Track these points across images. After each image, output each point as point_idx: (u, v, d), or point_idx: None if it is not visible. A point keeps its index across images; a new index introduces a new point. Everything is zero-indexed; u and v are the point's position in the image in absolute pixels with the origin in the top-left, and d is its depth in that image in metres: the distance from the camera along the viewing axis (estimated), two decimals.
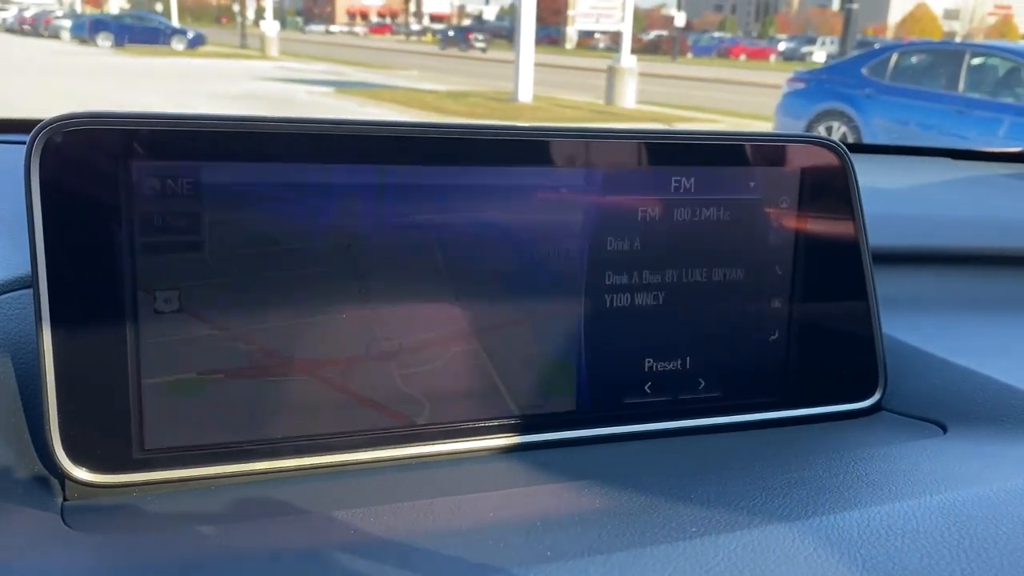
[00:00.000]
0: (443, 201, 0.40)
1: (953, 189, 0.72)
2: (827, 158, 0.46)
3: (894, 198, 0.66)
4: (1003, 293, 0.62)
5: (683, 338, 0.45)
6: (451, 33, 30.75)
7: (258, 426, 0.39)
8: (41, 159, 0.35)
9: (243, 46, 20.78)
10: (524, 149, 0.42)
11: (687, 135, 0.44)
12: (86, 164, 0.35)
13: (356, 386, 0.40)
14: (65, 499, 0.36)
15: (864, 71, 5.65)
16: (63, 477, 0.36)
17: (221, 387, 0.38)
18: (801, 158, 0.46)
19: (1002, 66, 5.28)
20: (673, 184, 0.44)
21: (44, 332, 0.35)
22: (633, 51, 10.59)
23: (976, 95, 5.19)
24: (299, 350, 0.39)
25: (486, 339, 0.42)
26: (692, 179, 0.44)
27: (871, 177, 0.70)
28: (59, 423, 0.36)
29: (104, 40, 18.55)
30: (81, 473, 0.36)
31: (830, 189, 0.47)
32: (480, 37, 28.46)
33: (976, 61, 5.36)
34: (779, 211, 0.46)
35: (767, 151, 0.45)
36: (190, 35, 20.03)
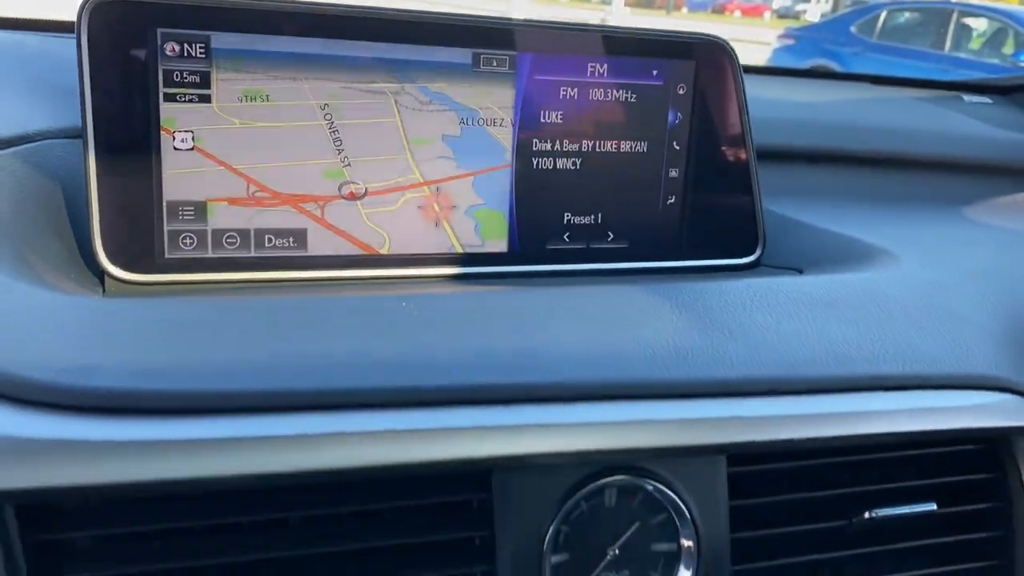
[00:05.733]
0: (399, 73, 0.51)
1: (849, 104, 0.82)
2: (718, 52, 0.57)
3: (789, 109, 0.76)
4: (863, 186, 0.74)
5: (596, 197, 0.56)
6: None
7: (254, 243, 0.50)
8: (89, 25, 0.45)
9: None
10: (472, 33, 0.52)
11: (601, 28, 0.54)
12: (121, 30, 0.45)
13: (331, 219, 0.51)
14: (104, 292, 0.47)
15: (853, 29, 5.69)
16: (102, 275, 0.47)
17: (224, 210, 0.49)
18: (697, 51, 0.56)
19: (989, 27, 5.34)
20: (589, 69, 0.54)
21: (90, 163, 0.46)
22: (627, 4, 10.54)
23: (962, 55, 5.26)
24: (285, 187, 0.50)
25: (434, 187, 0.53)
26: (605, 65, 0.54)
27: (786, 94, 0.80)
28: (100, 233, 0.46)
29: None
30: (117, 271, 0.47)
31: (721, 78, 0.57)
32: None
33: (964, 21, 5.41)
34: (678, 95, 0.56)
35: (668, 44, 0.56)
36: None
